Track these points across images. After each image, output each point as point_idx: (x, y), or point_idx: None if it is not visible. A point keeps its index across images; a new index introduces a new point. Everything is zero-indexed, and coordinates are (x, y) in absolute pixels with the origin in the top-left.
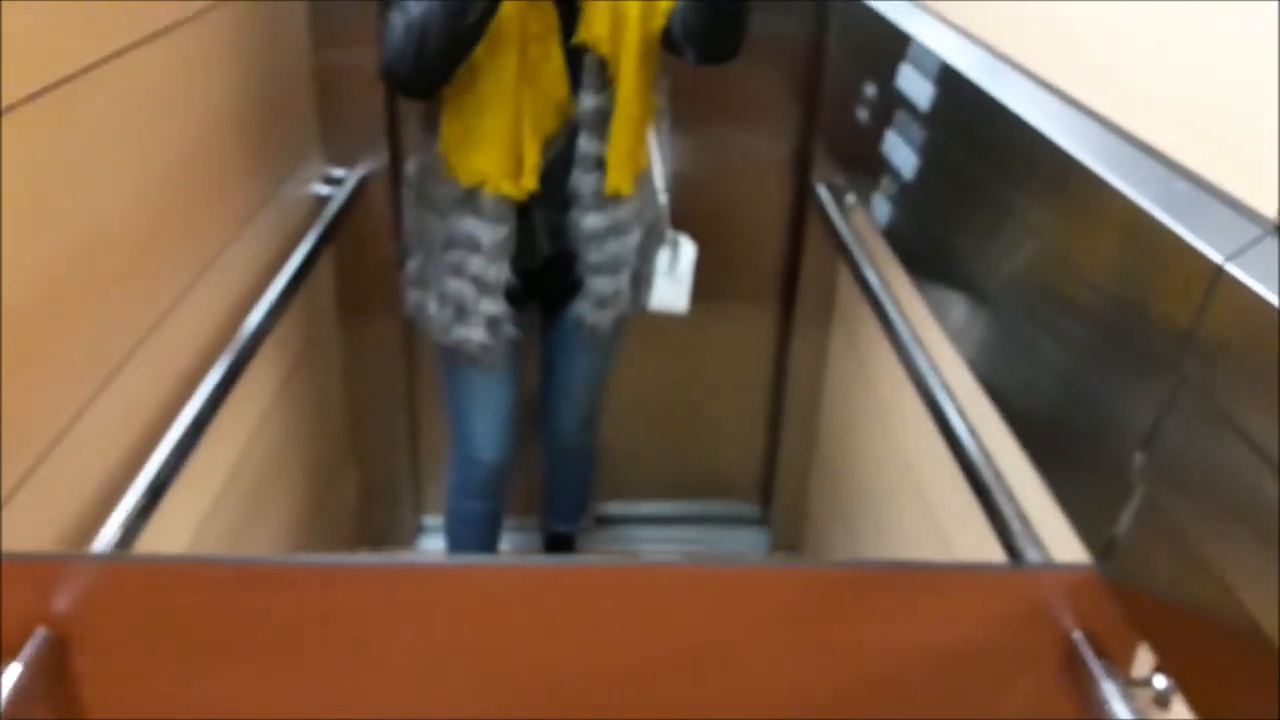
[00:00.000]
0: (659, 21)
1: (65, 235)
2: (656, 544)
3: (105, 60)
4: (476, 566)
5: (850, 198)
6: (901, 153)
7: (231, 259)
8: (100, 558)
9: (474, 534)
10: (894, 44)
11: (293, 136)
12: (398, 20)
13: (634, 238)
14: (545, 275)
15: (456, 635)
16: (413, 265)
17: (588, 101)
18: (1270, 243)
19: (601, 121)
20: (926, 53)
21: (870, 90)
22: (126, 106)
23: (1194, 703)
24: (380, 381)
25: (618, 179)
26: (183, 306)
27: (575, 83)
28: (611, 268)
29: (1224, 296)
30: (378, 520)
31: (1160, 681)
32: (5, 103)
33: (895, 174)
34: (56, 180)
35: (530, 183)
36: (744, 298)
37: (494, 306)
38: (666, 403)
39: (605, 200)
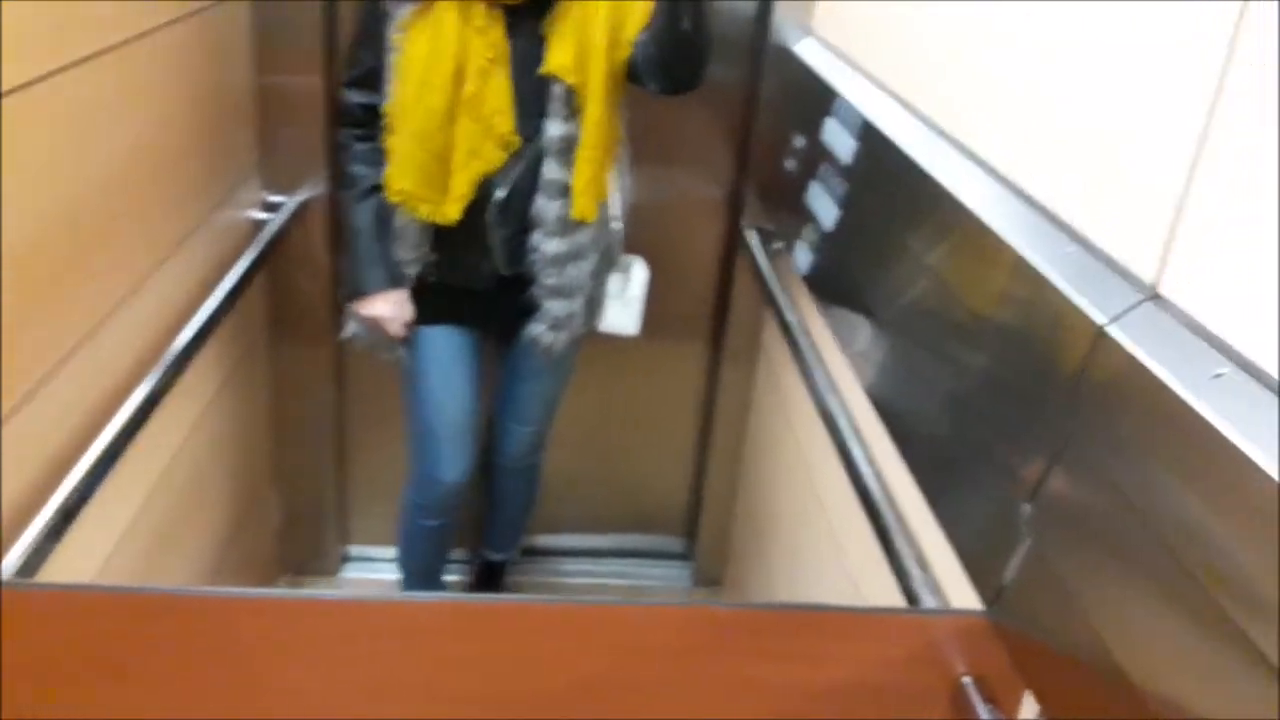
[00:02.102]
0: (624, 52)
1: None
2: (581, 578)
3: (34, 82)
4: (388, 603)
5: (777, 243)
6: (822, 203)
7: (162, 281)
8: (3, 584)
9: (429, 550)
10: (821, 98)
11: (232, 160)
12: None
13: (590, 263)
14: (500, 296)
15: (370, 670)
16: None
17: (554, 130)
18: (1149, 307)
19: (567, 149)
20: (849, 108)
21: (797, 141)
22: (56, 125)
23: None
24: (309, 408)
25: (583, 206)
26: (108, 327)
27: (540, 112)
28: (568, 291)
29: (1105, 357)
30: (301, 548)
31: None
32: None
33: (816, 223)
34: None
35: (452, 212)
36: (674, 336)
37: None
38: (594, 436)
39: (567, 226)
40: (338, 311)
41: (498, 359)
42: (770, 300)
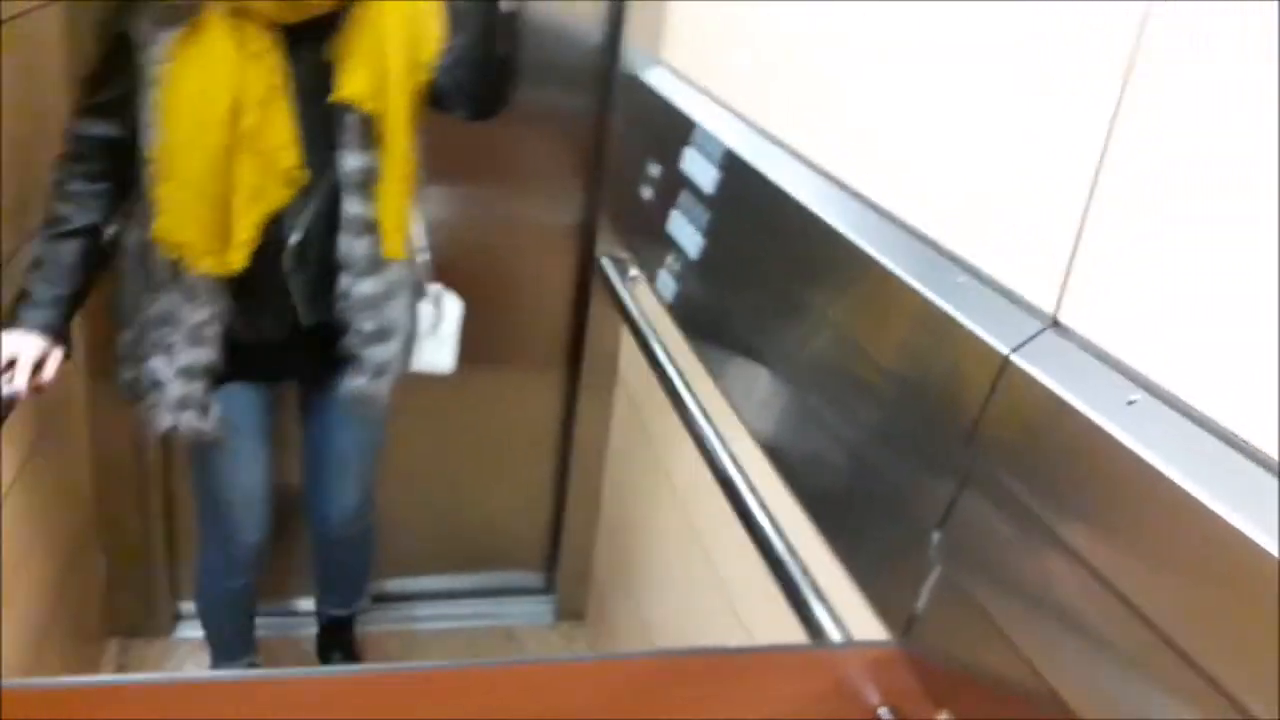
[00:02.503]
0: (423, 75)
1: None
2: (438, 622)
3: None
4: (220, 683)
5: (634, 271)
6: (686, 232)
7: None
8: None
9: (233, 614)
10: (677, 127)
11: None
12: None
13: (404, 300)
14: (302, 347)
15: None
16: (126, 339)
17: (351, 163)
18: (1050, 335)
19: (367, 183)
20: (710, 138)
21: (653, 169)
22: None
23: None
24: (130, 461)
25: (394, 243)
26: None
27: (330, 144)
28: (386, 334)
29: (1010, 386)
30: (129, 608)
31: None
32: None
33: (681, 252)
34: None
35: (237, 261)
36: (527, 365)
37: (194, 390)
38: (445, 472)
39: (377, 264)
40: None
41: (302, 412)
42: (632, 329)
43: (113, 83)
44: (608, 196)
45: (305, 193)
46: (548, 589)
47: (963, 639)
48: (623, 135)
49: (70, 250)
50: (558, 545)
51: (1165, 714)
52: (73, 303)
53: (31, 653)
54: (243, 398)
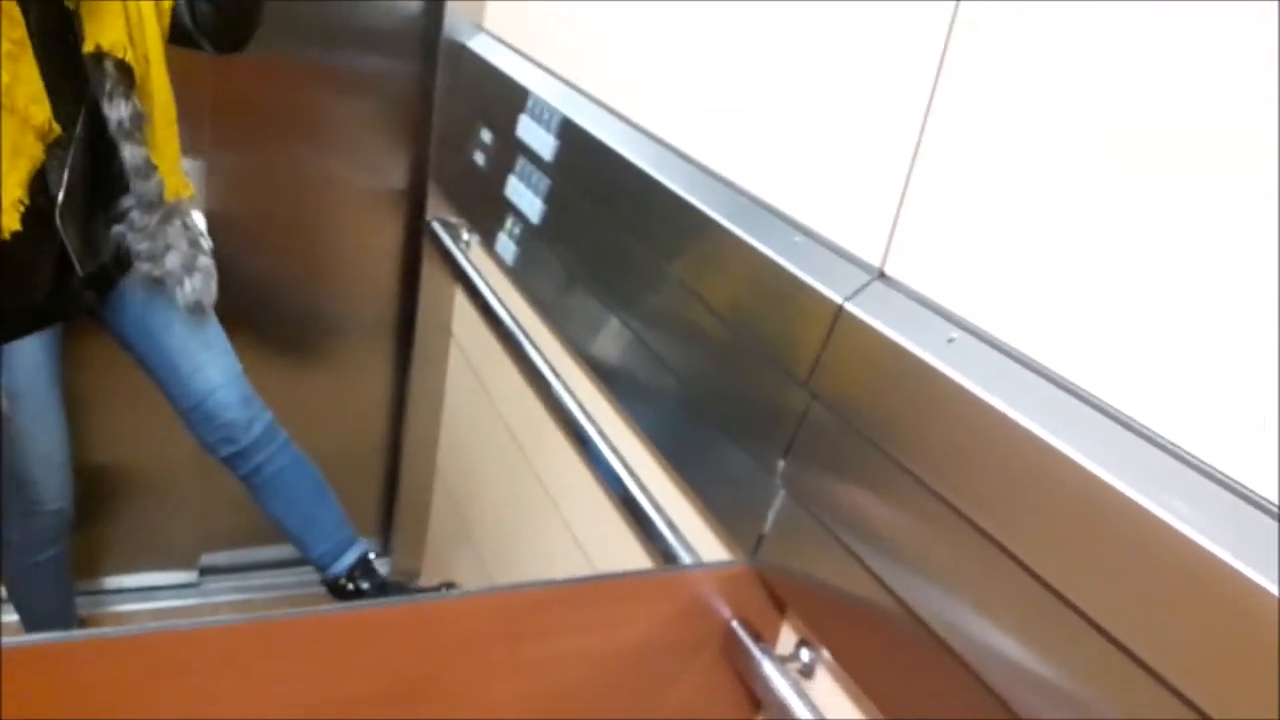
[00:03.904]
0: (167, 19)
1: None
2: (269, 592)
3: None
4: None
5: (467, 235)
6: (525, 197)
7: None
8: None
9: (50, 588)
10: (510, 94)
11: None
12: None
13: (179, 219)
14: (75, 288)
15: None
16: None
17: (118, 112)
18: (878, 285)
19: (136, 128)
20: (547, 107)
21: (484, 135)
22: None
23: (843, 663)
24: None
25: (176, 183)
26: None
27: (79, 93)
28: (170, 246)
29: (845, 330)
30: None
31: (805, 655)
32: None
33: (520, 216)
34: None
35: (11, 222)
36: (358, 330)
37: None
38: None
39: (156, 203)
40: None
41: (113, 338)
42: (469, 290)
43: None
44: (435, 162)
45: (59, 145)
46: (383, 552)
47: (806, 554)
48: (448, 101)
49: None
50: (392, 509)
51: (991, 609)
52: None
53: None
54: (24, 357)
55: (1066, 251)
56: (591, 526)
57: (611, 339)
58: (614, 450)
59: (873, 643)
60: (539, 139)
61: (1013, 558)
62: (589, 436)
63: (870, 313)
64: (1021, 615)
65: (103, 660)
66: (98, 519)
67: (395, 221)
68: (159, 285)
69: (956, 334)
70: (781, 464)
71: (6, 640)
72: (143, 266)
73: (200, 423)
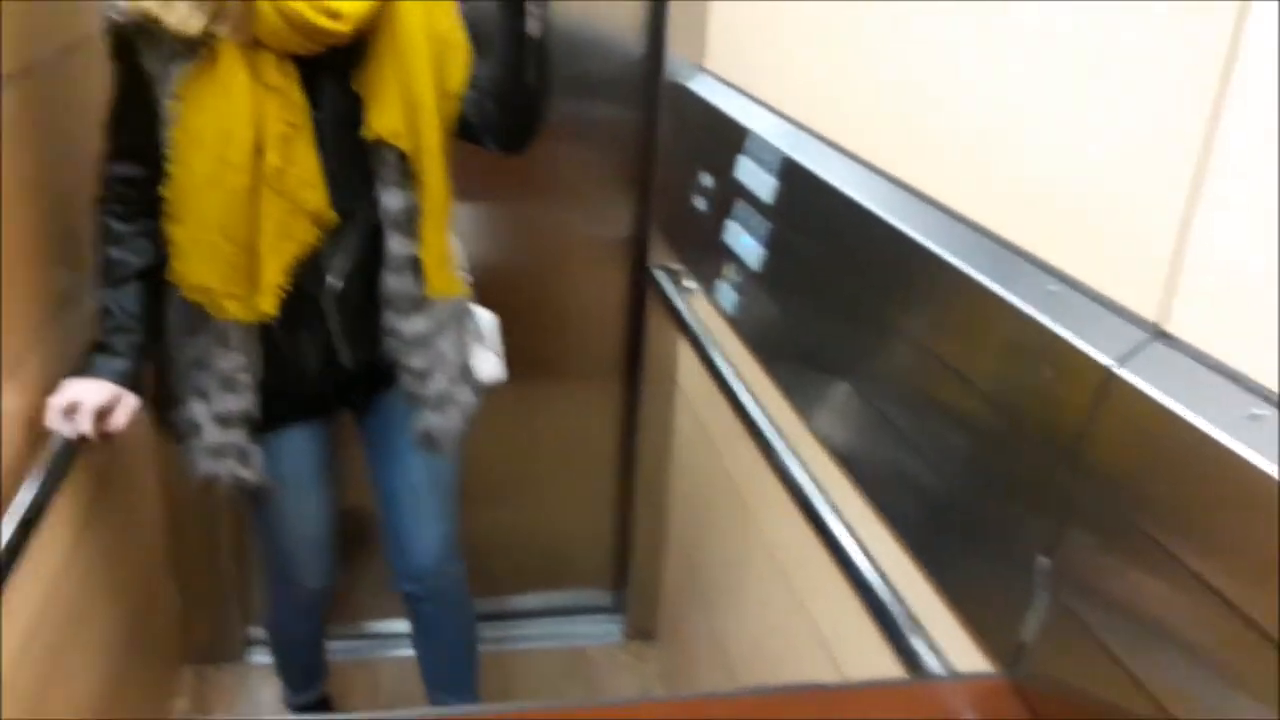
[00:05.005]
0: (453, 106)
1: None
2: (505, 645)
3: None
4: None
5: (689, 282)
6: (743, 242)
7: (28, 368)
8: None
9: (300, 653)
10: (729, 135)
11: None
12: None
13: (452, 334)
14: (350, 383)
15: None
16: (167, 378)
17: (392, 201)
18: (1156, 346)
19: (409, 220)
20: (766, 146)
21: (705, 179)
22: None
23: None
24: (200, 492)
25: (440, 281)
26: None
27: (364, 180)
28: (438, 369)
29: (1116, 401)
30: (204, 634)
31: None
32: None
33: (739, 263)
34: None
35: (268, 306)
36: (585, 379)
37: (232, 437)
38: (508, 490)
39: (424, 301)
40: None
41: (365, 446)
42: (691, 341)
43: (132, 121)
44: (657, 207)
45: (339, 232)
46: (617, 607)
47: (1075, 668)
48: (670, 145)
49: (131, 295)
50: (625, 562)
51: None
52: (146, 348)
53: (111, 683)
54: (291, 444)
55: None
56: (826, 608)
57: (839, 401)
58: (847, 527)
59: None
60: (758, 180)
61: None
62: (819, 511)
63: (1148, 379)
64: None
65: None
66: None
67: (619, 269)
68: (415, 402)
69: (1263, 409)
70: (1043, 562)
71: None
72: (404, 379)
73: (396, 553)
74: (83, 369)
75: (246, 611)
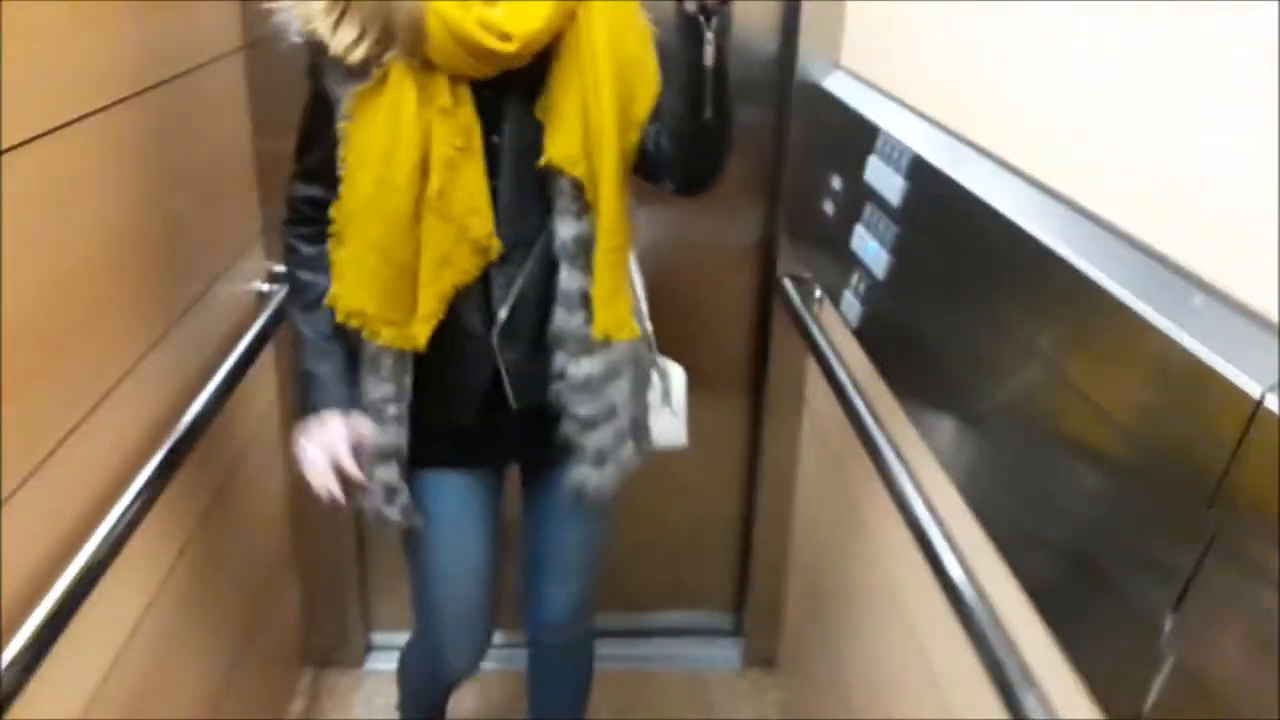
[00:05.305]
0: (635, 134)
1: None
2: (622, 663)
3: (17, 146)
4: None
5: (818, 292)
6: (871, 250)
7: (159, 360)
8: None
9: (426, 702)
10: (860, 135)
11: (232, 230)
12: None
13: (627, 380)
14: (517, 430)
15: None
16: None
17: (566, 231)
18: None
19: (583, 253)
20: (896, 144)
21: (835, 182)
22: (27, 202)
23: None
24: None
25: (609, 321)
26: (104, 410)
27: (539, 209)
28: (606, 418)
29: (1267, 434)
30: (323, 637)
31: None
32: None
33: (866, 272)
34: None
35: (421, 335)
36: (710, 393)
37: (378, 472)
38: (628, 506)
39: (596, 343)
40: None
41: (520, 500)
42: (817, 356)
43: (316, 143)
44: (787, 213)
45: (511, 264)
46: (736, 630)
47: None
48: (802, 147)
49: (324, 318)
50: (746, 583)
51: None
52: (351, 367)
53: (225, 678)
54: (447, 486)
55: None
56: (935, 645)
57: (961, 422)
58: (963, 565)
59: None
60: (887, 181)
61: None
62: (934, 545)
63: None
64: None
65: None
66: None
67: (748, 277)
68: (573, 451)
69: None
70: (1171, 619)
71: None
72: (567, 425)
73: (534, 603)
74: (299, 407)
75: (367, 617)
